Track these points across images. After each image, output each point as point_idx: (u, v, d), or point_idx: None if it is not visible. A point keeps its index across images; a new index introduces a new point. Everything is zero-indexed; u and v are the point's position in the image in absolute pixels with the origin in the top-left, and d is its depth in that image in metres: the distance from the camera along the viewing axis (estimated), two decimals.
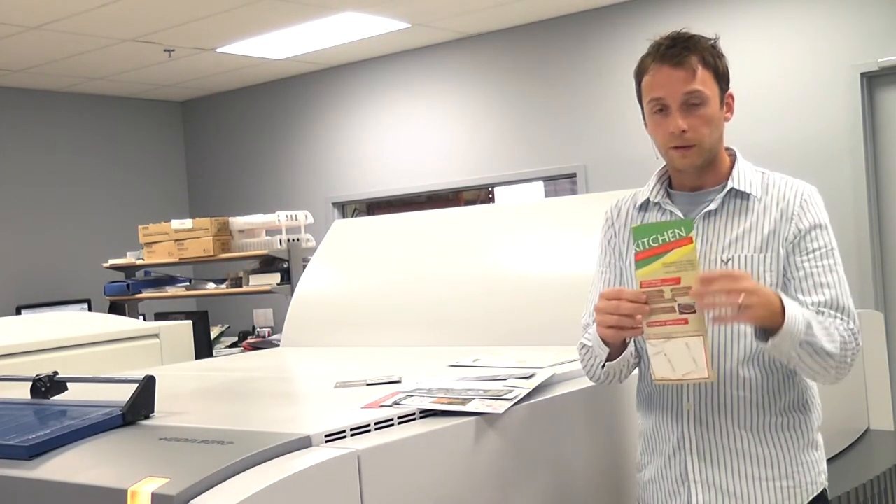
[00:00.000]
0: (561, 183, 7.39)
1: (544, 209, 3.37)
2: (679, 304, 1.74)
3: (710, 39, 1.96)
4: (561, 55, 6.74)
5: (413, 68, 7.47)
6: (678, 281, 1.74)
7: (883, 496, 2.90)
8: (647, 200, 2.06)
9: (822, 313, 1.85)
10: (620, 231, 2.10)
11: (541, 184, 7.64)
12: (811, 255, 1.90)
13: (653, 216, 2.04)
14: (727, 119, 1.98)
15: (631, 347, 1.97)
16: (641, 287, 1.76)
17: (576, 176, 6.73)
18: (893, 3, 5.49)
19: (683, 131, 1.90)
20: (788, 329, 1.75)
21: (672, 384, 1.92)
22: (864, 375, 3.17)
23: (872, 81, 5.65)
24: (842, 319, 1.86)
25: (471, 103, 7.22)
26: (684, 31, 1.96)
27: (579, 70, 6.65)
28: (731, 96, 1.98)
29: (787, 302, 1.77)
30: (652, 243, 1.75)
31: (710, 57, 1.93)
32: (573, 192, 6.94)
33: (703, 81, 1.91)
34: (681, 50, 1.91)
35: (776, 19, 5.86)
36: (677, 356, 1.76)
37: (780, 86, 5.82)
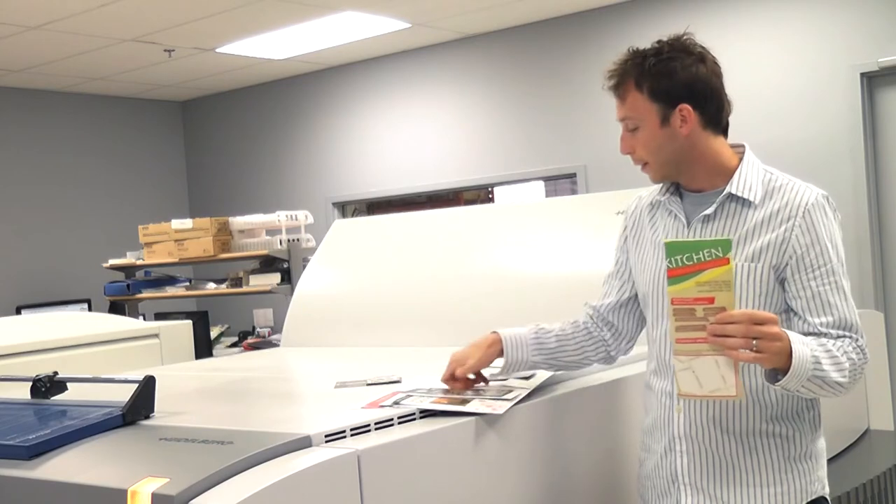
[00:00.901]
0: (561, 183, 7.38)
1: (544, 209, 3.37)
2: (711, 323, 1.70)
3: (661, 53, 1.93)
4: (561, 55, 6.74)
5: (413, 68, 7.48)
6: (711, 301, 1.69)
7: (883, 496, 2.90)
8: (657, 199, 2.07)
9: (830, 334, 1.84)
10: (630, 229, 2.14)
11: (541, 184, 7.64)
12: (816, 274, 1.87)
13: (660, 215, 2.05)
14: (686, 133, 1.93)
15: (519, 355, 2.06)
16: (672, 304, 1.72)
17: (576, 176, 6.73)
18: (893, 3, 5.50)
19: (629, 153, 2.00)
20: (795, 371, 1.73)
21: (697, 399, 1.89)
22: (865, 375, 3.16)
23: (872, 81, 5.65)
24: (850, 338, 1.86)
25: (471, 103, 7.22)
26: (634, 48, 1.98)
27: (579, 70, 6.65)
28: (686, 109, 1.92)
29: (795, 341, 1.74)
30: (686, 261, 1.70)
31: (646, 77, 1.92)
32: (573, 192, 6.94)
33: (633, 106, 1.95)
34: (612, 76, 1.99)
35: (776, 19, 5.86)
36: (705, 373, 1.72)
37: (780, 86, 5.82)
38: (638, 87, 1.94)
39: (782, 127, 5.79)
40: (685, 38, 1.96)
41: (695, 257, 1.70)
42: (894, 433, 3.31)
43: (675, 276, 1.71)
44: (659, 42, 1.96)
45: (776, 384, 1.76)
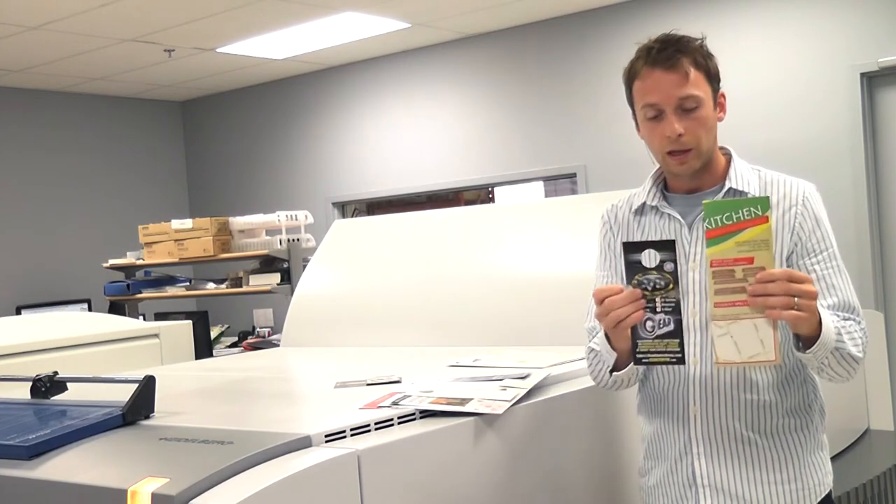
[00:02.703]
0: (561, 183, 7.39)
1: (544, 209, 3.36)
2: (751, 284, 1.68)
3: (697, 39, 1.94)
4: (561, 55, 6.74)
5: (413, 68, 7.48)
6: (751, 261, 1.68)
7: (883, 496, 2.91)
8: (644, 204, 2.04)
9: (838, 316, 1.86)
10: (618, 235, 2.09)
11: (541, 184, 7.64)
12: (820, 258, 1.90)
13: (650, 220, 2.03)
14: (720, 119, 1.96)
15: (631, 369, 1.95)
16: (711, 266, 1.71)
17: (576, 176, 6.73)
18: (893, 3, 5.50)
19: (680, 135, 1.89)
20: (824, 339, 1.75)
21: (735, 367, 1.87)
22: (864, 375, 3.17)
23: (872, 81, 5.65)
24: (854, 320, 1.88)
25: (471, 103, 7.22)
26: (672, 32, 1.94)
27: (579, 70, 6.65)
28: (723, 96, 1.97)
29: (822, 310, 1.75)
30: (725, 221, 1.69)
31: (701, 58, 1.91)
32: (573, 192, 6.94)
33: (697, 84, 1.89)
34: (673, 52, 1.89)
35: (776, 19, 5.86)
36: (744, 338, 1.70)
37: (780, 86, 5.82)
38: (698, 67, 1.90)
39: (782, 127, 5.79)
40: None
41: (734, 216, 1.69)
42: (894, 433, 3.31)
43: (714, 237, 1.70)
44: (675, 33, 1.95)
45: (807, 352, 1.76)
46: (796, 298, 1.68)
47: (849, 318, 1.87)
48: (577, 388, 2.14)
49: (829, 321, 1.77)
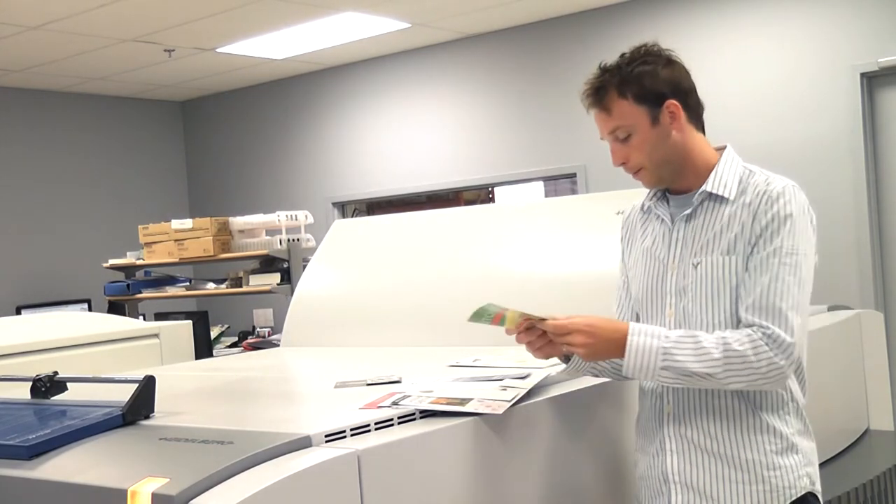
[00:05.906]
0: (561, 183, 7.39)
1: (544, 209, 3.37)
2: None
3: (635, 59, 1.95)
4: (561, 55, 6.74)
5: (413, 68, 7.48)
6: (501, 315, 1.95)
7: (883, 496, 2.90)
8: (646, 204, 2.11)
9: (745, 320, 1.85)
10: (627, 235, 2.18)
11: (541, 184, 7.64)
12: (763, 253, 1.87)
13: (650, 220, 2.10)
14: (676, 129, 1.96)
15: (578, 363, 2.02)
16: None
17: (576, 176, 6.73)
18: (893, 3, 5.50)
19: (623, 163, 2.00)
20: (632, 364, 1.85)
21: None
22: (864, 375, 3.17)
23: (872, 81, 5.65)
24: (760, 327, 1.83)
25: (471, 103, 7.22)
26: (604, 63, 1.99)
27: (579, 70, 6.58)
28: (675, 105, 1.95)
29: (635, 334, 1.84)
30: (489, 319, 1.94)
31: (626, 84, 1.94)
32: (573, 192, 6.94)
33: (621, 115, 1.96)
34: (592, 92, 1.98)
35: (776, 19, 5.86)
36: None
37: (780, 86, 5.82)
38: (622, 95, 1.95)
39: (782, 127, 5.78)
40: (651, 45, 2.00)
41: (487, 316, 1.94)
42: (894, 433, 3.31)
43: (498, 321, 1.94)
44: (625, 53, 1.99)
45: (623, 372, 1.89)
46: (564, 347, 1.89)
47: (751, 325, 1.83)
48: (578, 388, 2.14)
49: (645, 343, 1.84)
